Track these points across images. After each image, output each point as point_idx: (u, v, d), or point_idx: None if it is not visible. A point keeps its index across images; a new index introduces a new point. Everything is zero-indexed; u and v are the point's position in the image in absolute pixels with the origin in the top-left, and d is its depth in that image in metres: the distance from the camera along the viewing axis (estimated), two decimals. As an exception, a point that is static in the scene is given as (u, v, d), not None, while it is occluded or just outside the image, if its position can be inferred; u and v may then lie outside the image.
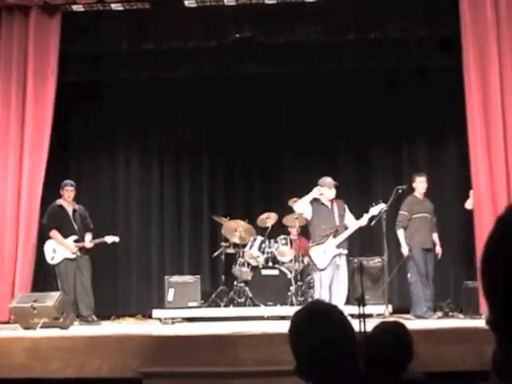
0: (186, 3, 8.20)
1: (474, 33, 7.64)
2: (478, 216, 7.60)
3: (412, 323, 6.70)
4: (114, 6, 8.29)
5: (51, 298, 7.06)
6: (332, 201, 7.91)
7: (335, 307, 2.04)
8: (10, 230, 7.97)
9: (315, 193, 7.85)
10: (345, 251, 7.83)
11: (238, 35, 8.61)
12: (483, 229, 7.40)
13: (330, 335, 1.94)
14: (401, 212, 8.22)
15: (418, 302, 7.89)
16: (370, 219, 7.85)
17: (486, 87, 7.59)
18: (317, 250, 7.85)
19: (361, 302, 5.45)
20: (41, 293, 7.43)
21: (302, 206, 7.98)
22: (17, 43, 8.14)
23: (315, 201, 7.94)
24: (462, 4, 7.70)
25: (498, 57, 7.59)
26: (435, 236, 8.25)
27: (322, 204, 7.92)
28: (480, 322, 6.34)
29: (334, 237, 7.79)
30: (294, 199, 8.48)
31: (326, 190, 7.87)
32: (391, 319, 6.41)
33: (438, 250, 8.22)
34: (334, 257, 7.73)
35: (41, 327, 6.84)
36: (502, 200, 7.42)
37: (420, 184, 8.30)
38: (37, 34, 8.10)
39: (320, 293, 7.62)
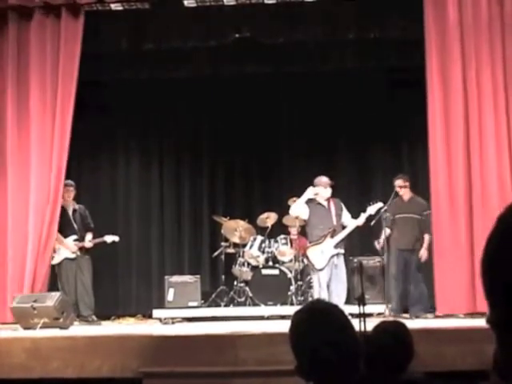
0: (186, 3, 8.20)
1: (437, 34, 7.62)
2: (436, 218, 7.60)
3: (412, 323, 6.70)
4: (113, 6, 8.28)
5: (51, 298, 7.06)
6: (329, 200, 7.91)
7: (336, 307, 2.04)
8: (34, 231, 7.90)
9: (309, 193, 7.84)
10: (342, 251, 7.83)
11: (237, 35, 8.61)
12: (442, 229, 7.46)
13: (331, 335, 1.94)
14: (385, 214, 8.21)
15: (390, 299, 7.94)
16: (368, 218, 7.85)
17: (448, 89, 7.59)
18: (314, 250, 7.84)
19: (361, 301, 5.46)
20: (41, 293, 7.43)
21: (296, 209, 7.99)
22: (50, 45, 8.07)
23: (312, 201, 7.94)
24: (426, 5, 7.69)
25: (460, 57, 7.56)
26: (427, 237, 8.10)
27: (319, 204, 7.92)
28: (480, 322, 6.34)
29: (332, 237, 7.78)
30: (294, 199, 8.48)
31: (321, 189, 7.86)
32: (391, 319, 6.42)
33: (422, 252, 8.06)
34: (332, 257, 7.73)
35: (41, 327, 6.84)
36: (460, 201, 7.45)
37: (396, 187, 8.27)
38: (66, 34, 8.04)
39: (319, 293, 7.62)
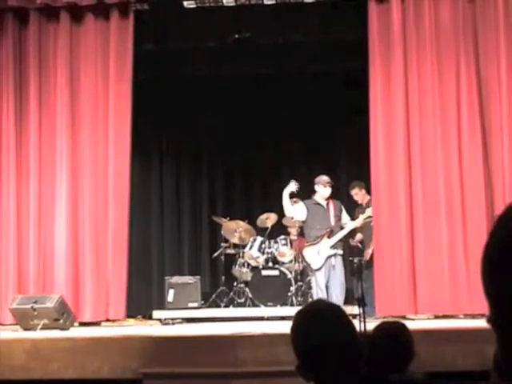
0: (185, 4, 8.20)
1: (381, 40, 7.71)
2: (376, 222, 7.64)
3: (412, 323, 6.70)
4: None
5: (51, 300, 7.06)
6: (328, 201, 7.93)
7: (338, 307, 2.05)
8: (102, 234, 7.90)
9: (290, 188, 7.86)
10: (340, 251, 7.83)
11: (237, 36, 8.62)
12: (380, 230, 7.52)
13: (333, 335, 1.95)
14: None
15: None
16: (367, 220, 7.87)
17: (390, 93, 7.67)
18: (310, 250, 7.85)
19: (361, 302, 5.46)
20: (41, 294, 7.43)
21: (288, 211, 8.04)
22: (100, 45, 8.05)
23: (310, 200, 7.97)
24: (370, 9, 7.76)
25: (403, 61, 7.63)
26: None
27: (318, 204, 7.94)
28: (480, 322, 6.34)
29: (329, 237, 7.79)
30: (294, 199, 8.49)
31: (321, 187, 7.89)
32: (391, 319, 6.42)
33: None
34: (329, 257, 7.74)
35: (41, 328, 6.84)
36: (400, 204, 7.49)
37: (354, 196, 8.43)
38: (118, 34, 8.02)
39: (317, 293, 7.63)
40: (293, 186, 7.90)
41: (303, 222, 8.11)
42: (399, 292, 7.39)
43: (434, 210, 7.41)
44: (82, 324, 7.64)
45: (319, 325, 1.96)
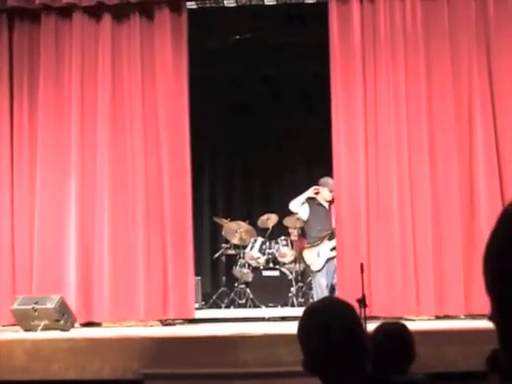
0: (187, 4, 8.19)
1: (341, 46, 7.76)
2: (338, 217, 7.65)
3: (413, 324, 6.69)
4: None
5: (52, 301, 7.06)
6: (330, 202, 7.92)
7: (347, 305, 2.05)
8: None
9: (309, 193, 7.86)
10: None
11: (237, 37, 8.63)
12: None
13: (340, 333, 1.95)
14: None
15: None
16: None
17: (349, 93, 7.72)
18: (310, 252, 7.85)
19: (362, 303, 5.46)
20: (42, 295, 7.43)
21: (295, 206, 8.01)
22: (158, 44, 7.96)
23: (313, 201, 7.96)
24: (330, 14, 7.80)
25: (361, 64, 7.68)
26: None
27: (320, 204, 7.94)
28: (481, 323, 6.33)
29: (330, 239, 7.79)
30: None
31: (325, 190, 7.88)
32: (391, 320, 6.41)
33: None
34: (329, 259, 7.73)
35: (42, 329, 6.84)
36: (361, 206, 7.51)
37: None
38: (172, 32, 7.95)
39: (318, 294, 7.63)
40: (311, 193, 7.91)
41: (305, 221, 8.10)
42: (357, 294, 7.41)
43: (387, 212, 7.46)
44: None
45: (327, 322, 1.97)
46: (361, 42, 7.71)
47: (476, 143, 7.44)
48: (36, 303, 7.01)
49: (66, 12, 7.94)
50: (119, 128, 7.84)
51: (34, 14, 7.96)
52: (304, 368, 1.97)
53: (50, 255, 7.64)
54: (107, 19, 7.94)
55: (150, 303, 7.54)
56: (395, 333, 3.30)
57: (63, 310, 7.08)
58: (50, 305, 6.99)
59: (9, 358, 6.06)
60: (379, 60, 7.69)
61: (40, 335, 6.64)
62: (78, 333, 6.86)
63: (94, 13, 7.95)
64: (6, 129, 7.89)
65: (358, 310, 5.31)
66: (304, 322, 2.03)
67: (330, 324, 1.96)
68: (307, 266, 8.02)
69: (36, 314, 6.95)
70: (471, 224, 7.33)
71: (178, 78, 7.86)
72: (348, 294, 7.31)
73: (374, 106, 7.64)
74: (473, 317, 7.13)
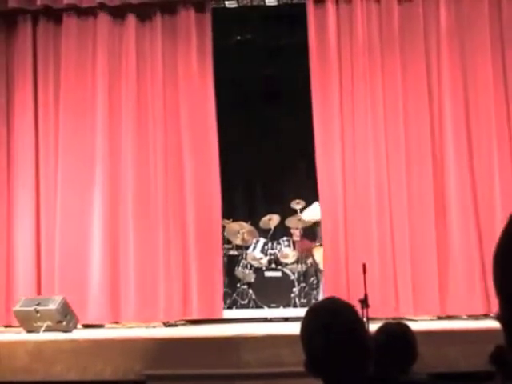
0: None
1: (318, 47, 7.85)
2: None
3: (415, 324, 6.69)
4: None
5: (54, 302, 7.07)
6: None
7: (350, 305, 2.05)
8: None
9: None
10: None
11: (239, 37, 8.63)
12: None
13: (343, 334, 1.95)
14: None
15: None
16: None
17: (326, 94, 7.81)
18: (320, 250, 7.88)
19: (364, 303, 5.46)
20: (44, 296, 7.44)
21: (311, 214, 8.09)
22: (183, 43, 8.00)
23: None
24: (308, 15, 7.89)
25: (338, 65, 7.78)
26: None
27: None
28: (483, 323, 6.34)
29: None
30: (297, 201, 8.50)
31: None
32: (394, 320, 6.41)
33: None
34: None
35: (44, 330, 6.85)
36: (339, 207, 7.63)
37: None
38: (197, 31, 8.00)
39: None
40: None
41: (315, 222, 8.16)
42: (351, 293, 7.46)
43: (365, 211, 7.57)
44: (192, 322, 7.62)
45: (330, 323, 1.97)
46: (337, 43, 7.82)
47: (447, 142, 7.58)
48: (38, 304, 7.02)
49: (90, 12, 8.01)
50: (143, 129, 7.89)
51: (59, 14, 8.02)
52: (306, 369, 1.97)
53: (75, 255, 7.68)
54: (132, 19, 7.99)
55: (179, 303, 7.62)
56: (397, 333, 3.30)
57: (65, 311, 7.09)
58: (53, 306, 6.99)
59: (11, 358, 6.07)
60: (356, 61, 7.80)
61: (42, 336, 6.65)
62: (81, 334, 6.87)
63: (119, 13, 8.01)
64: (31, 129, 7.92)
65: (360, 310, 5.33)
66: (306, 322, 2.03)
67: (332, 324, 1.96)
68: (315, 264, 8.05)
69: (38, 315, 6.95)
70: (443, 226, 7.48)
71: (203, 77, 7.95)
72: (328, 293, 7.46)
73: (351, 106, 7.76)
74: (475, 317, 7.13)
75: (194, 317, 7.62)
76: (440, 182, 7.58)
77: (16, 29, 8.10)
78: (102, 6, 7.91)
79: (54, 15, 8.04)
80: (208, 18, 8.01)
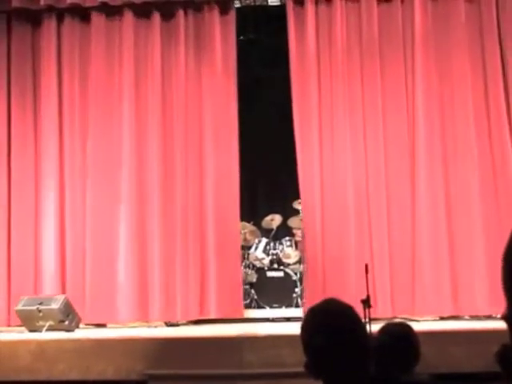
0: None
1: (298, 49, 7.91)
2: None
3: (418, 324, 6.69)
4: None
5: (56, 301, 7.07)
6: None
7: (350, 307, 2.05)
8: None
9: None
10: None
11: (241, 37, 8.62)
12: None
13: (343, 334, 1.95)
14: None
15: None
16: None
17: (305, 96, 7.92)
18: None
19: (367, 303, 5.45)
20: (46, 295, 7.44)
21: None
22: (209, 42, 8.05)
23: None
24: (288, 16, 7.96)
25: (316, 66, 7.87)
26: None
27: None
28: (486, 324, 6.33)
29: None
30: (299, 201, 8.48)
31: None
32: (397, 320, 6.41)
33: None
34: None
35: (46, 330, 6.85)
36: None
37: None
38: (221, 30, 8.05)
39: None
40: None
41: None
42: (328, 294, 7.48)
43: (343, 210, 7.69)
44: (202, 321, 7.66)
45: (330, 324, 1.96)
46: (316, 44, 7.88)
47: (421, 142, 7.66)
48: (41, 304, 7.03)
49: (115, 11, 8.06)
50: (168, 127, 7.94)
51: (85, 13, 8.08)
52: (306, 370, 1.96)
53: (103, 256, 7.73)
54: (156, 17, 8.03)
55: (197, 303, 7.68)
56: (400, 333, 3.29)
57: (68, 310, 7.09)
58: (55, 305, 7.00)
59: (14, 358, 6.07)
60: (335, 62, 7.86)
61: (45, 336, 6.66)
62: (83, 333, 6.87)
63: (144, 12, 8.04)
64: (55, 127, 7.95)
65: (362, 311, 5.32)
66: (306, 322, 2.03)
67: (332, 325, 1.96)
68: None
69: (41, 314, 6.96)
70: (413, 222, 7.58)
71: (227, 75, 8.01)
72: (315, 294, 7.50)
73: (330, 107, 7.85)
74: (478, 317, 7.13)
75: (213, 316, 7.69)
76: (411, 177, 7.69)
77: (41, 27, 8.14)
78: (128, 5, 7.99)
79: (81, 14, 8.12)
80: (232, 16, 8.09)
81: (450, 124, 7.69)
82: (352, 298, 6.94)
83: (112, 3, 7.93)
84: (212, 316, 7.69)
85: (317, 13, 7.93)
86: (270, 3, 8.23)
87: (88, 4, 7.97)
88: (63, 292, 7.63)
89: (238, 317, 7.71)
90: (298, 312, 7.91)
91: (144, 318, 7.63)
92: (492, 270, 7.12)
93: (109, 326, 7.64)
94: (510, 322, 1.06)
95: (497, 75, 7.67)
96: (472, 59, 7.72)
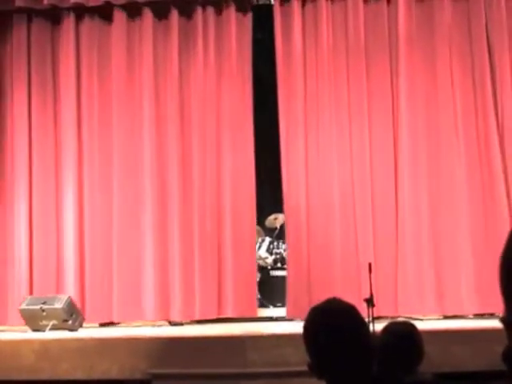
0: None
1: (284, 47, 7.92)
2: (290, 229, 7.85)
3: (421, 323, 6.68)
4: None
5: (60, 301, 7.08)
6: None
7: (352, 307, 2.04)
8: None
9: None
10: None
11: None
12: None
13: (346, 334, 1.95)
14: None
15: None
16: None
17: (291, 93, 7.92)
18: None
19: (370, 302, 5.45)
20: (50, 295, 7.45)
21: None
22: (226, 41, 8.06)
23: None
24: (274, 14, 7.97)
25: (303, 63, 7.87)
26: None
27: None
28: (489, 323, 6.32)
29: None
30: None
31: None
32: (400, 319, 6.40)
33: None
34: None
35: (50, 329, 6.86)
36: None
37: None
38: (237, 29, 8.06)
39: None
40: None
41: None
42: (312, 294, 7.47)
43: (329, 212, 7.67)
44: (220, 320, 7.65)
45: (333, 324, 1.96)
46: (302, 43, 7.87)
47: (406, 143, 7.65)
48: (44, 303, 7.03)
49: (132, 11, 8.06)
50: (186, 127, 7.93)
51: (104, 12, 8.09)
52: (309, 370, 1.96)
53: (127, 255, 7.73)
54: (174, 15, 8.03)
55: (214, 301, 7.67)
56: (404, 332, 3.29)
57: (71, 310, 7.10)
58: (58, 305, 7.01)
59: (17, 357, 6.08)
60: (321, 62, 7.85)
61: (48, 335, 6.66)
62: (87, 333, 6.87)
63: (161, 10, 8.05)
64: (73, 124, 7.95)
65: (365, 310, 5.32)
66: (309, 321, 2.03)
67: (335, 324, 1.96)
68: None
69: (44, 314, 6.96)
70: (396, 221, 7.57)
71: (242, 75, 8.00)
72: (299, 295, 7.48)
73: (316, 106, 7.84)
74: (482, 316, 7.12)
75: (229, 315, 7.69)
76: (398, 181, 7.68)
77: (59, 26, 8.15)
78: (146, 3, 7.99)
79: (100, 13, 8.11)
80: (249, 16, 8.09)
81: (435, 124, 7.66)
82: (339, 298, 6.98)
83: (131, 1, 7.95)
84: (229, 315, 7.69)
85: (303, 12, 7.92)
86: (272, 3, 8.22)
87: (91, 4, 7.95)
88: (83, 292, 7.67)
89: (253, 316, 7.72)
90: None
91: (166, 317, 7.63)
92: (479, 269, 7.10)
93: (112, 325, 7.66)
94: (506, 325, 1.05)
95: (484, 74, 7.60)
96: (460, 58, 7.69)
